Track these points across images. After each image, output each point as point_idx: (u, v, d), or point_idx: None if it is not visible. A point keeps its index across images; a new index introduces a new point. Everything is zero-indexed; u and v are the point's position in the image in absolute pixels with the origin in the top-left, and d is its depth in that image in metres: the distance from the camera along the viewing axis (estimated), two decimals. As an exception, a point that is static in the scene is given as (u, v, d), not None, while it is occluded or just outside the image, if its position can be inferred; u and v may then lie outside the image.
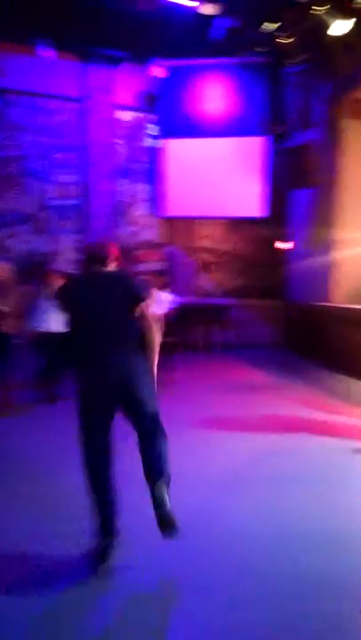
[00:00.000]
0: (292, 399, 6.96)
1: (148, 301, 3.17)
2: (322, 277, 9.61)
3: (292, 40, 8.33)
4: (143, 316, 3.13)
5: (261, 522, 3.52)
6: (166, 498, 2.88)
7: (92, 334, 3.09)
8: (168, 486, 2.96)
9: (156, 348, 3.17)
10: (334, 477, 4.37)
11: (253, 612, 2.60)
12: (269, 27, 8.22)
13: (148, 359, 3.17)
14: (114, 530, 3.02)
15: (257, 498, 3.89)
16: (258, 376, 8.66)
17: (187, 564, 3.01)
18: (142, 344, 3.16)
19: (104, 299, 3.10)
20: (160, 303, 10.30)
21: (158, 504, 2.85)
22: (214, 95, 10.65)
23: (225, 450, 4.99)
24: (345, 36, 7.53)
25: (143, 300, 3.14)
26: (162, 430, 3.06)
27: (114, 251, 3.33)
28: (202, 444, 5.14)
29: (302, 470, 4.48)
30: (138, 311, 3.11)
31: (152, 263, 11.59)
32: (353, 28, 7.47)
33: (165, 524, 2.84)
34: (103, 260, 3.25)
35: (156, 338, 3.18)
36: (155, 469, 2.94)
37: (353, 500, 3.91)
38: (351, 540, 3.32)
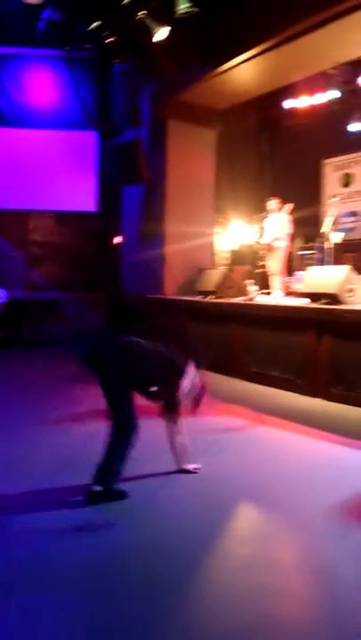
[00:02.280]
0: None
1: None
2: (153, 271, 10.03)
3: (115, 39, 8.53)
4: None
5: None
6: None
7: None
8: None
9: None
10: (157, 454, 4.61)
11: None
12: (93, 24, 8.32)
13: None
14: None
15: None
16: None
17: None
18: None
19: None
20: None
21: None
22: (41, 86, 10.51)
23: (55, 441, 5.00)
24: (168, 40, 7.90)
25: None
26: None
27: None
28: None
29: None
30: None
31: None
32: (173, 34, 7.88)
33: None
34: None
35: None
36: None
37: (168, 472, 4.18)
38: (163, 509, 3.62)
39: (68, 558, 2.99)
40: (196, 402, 4.09)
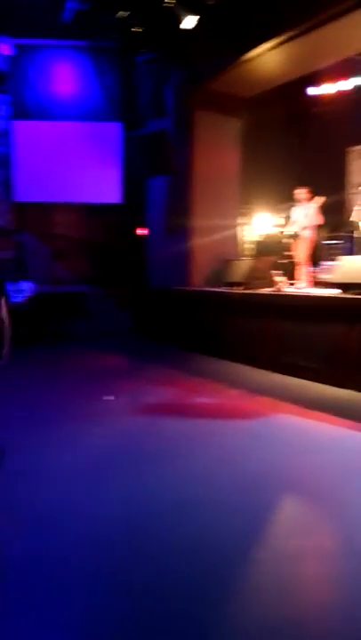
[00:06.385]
0: (158, 383, 7.11)
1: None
2: (179, 263, 9.99)
3: (142, 29, 8.48)
4: None
5: (120, 502, 3.59)
6: None
7: None
8: None
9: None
10: (194, 448, 4.60)
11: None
12: (121, 14, 8.28)
13: None
14: None
15: (121, 479, 3.94)
16: (117, 362, 8.77)
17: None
18: None
19: None
20: (17, 292, 10.03)
21: None
22: (66, 78, 10.49)
23: (98, 435, 4.96)
24: (195, 29, 7.84)
25: None
26: None
27: None
28: (66, 434, 5.07)
29: (166, 445, 4.67)
30: None
31: (4, 251, 11.17)
32: (202, 22, 7.81)
33: None
34: None
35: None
36: None
37: (211, 465, 4.20)
38: (208, 502, 3.56)
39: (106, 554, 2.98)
40: None
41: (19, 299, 9.93)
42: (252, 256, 11.09)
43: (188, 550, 3.00)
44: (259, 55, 8.42)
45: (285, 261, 9.51)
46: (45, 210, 11.76)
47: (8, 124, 10.74)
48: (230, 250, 10.49)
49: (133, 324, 11.40)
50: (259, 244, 11.64)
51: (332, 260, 8.65)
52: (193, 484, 3.87)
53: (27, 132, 10.67)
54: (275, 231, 10.42)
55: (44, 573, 2.73)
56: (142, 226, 11.39)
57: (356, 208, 8.76)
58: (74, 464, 4.20)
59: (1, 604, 2.50)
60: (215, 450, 4.60)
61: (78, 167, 10.76)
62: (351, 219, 8.47)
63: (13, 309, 9.13)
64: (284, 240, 9.19)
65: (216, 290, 9.11)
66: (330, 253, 10.59)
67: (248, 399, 6.31)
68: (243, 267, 8.90)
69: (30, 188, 10.78)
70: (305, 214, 8.57)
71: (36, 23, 9.24)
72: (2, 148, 10.94)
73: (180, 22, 7.58)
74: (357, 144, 12.31)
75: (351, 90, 11.00)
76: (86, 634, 2.34)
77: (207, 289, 9.36)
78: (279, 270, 9.48)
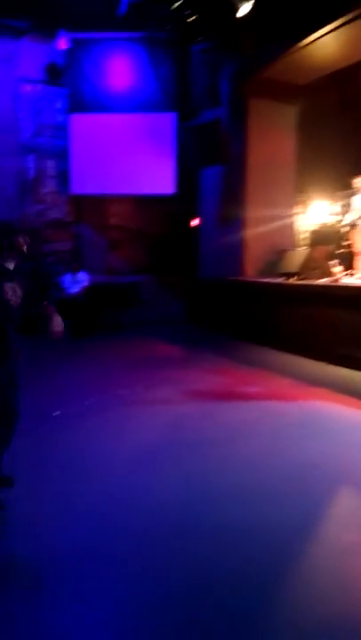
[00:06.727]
0: (210, 371, 7.16)
1: None
2: (232, 253, 9.95)
3: (196, 18, 8.44)
4: None
5: (172, 488, 3.65)
6: None
7: None
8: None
9: None
10: (243, 438, 4.60)
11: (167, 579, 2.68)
12: (174, 3, 8.27)
13: None
14: None
15: (167, 468, 3.98)
16: (170, 350, 8.86)
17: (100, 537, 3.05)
18: None
19: None
20: (73, 283, 10.26)
21: None
22: (121, 70, 10.60)
23: (147, 422, 5.05)
24: (249, 16, 7.73)
25: None
26: None
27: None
28: (126, 419, 5.20)
29: (214, 434, 4.70)
30: None
31: (61, 243, 11.41)
32: (257, 9, 7.69)
33: None
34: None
35: None
36: None
37: (260, 456, 4.18)
38: (257, 493, 3.55)
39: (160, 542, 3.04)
40: None
41: (75, 289, 10.14)
42: (307, 246, 10.90)
43: (239, 540, 3.01)
44: (315, 41, 8.22)
45: (343, 251, 9.30)
46: (101, 202, 11.92)
47: (65, 118, 10.96)
48: (285, 239, 10.35)
49: (187, 313, 11.48)
50: (315, 233, 11.41)
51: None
52: (240, 474, 3.88)
53: (83, 125, 10.85)
54: (332, 220, 10.18)
55: (94, 566, 2.79)
56: (196, 216, 11.39)
57: None
58: (124, 452, 4.29)
59: (52, 596, 2.57)
60: (264, 439, 4.60)
61: (133, 159, 10.85)
62: None
63: (70, 300, 9.31)
64: (342, 229, 8.99)
65: (270, 280, 9.03)
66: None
67: (300, 389, 6.25)
68: (298, 257, 8.77)
69: (87, 180, 10.96)
70: (363, 202, 8.34)
71: (92, 16, 9.35)
72: (59, 142, 11.16)
73: (234, 10, 7.49)
74: None
75: None
76: (136, 624, 2.40)
77: (261, 279, 9.29)
78: (336, 260, 9.28)
